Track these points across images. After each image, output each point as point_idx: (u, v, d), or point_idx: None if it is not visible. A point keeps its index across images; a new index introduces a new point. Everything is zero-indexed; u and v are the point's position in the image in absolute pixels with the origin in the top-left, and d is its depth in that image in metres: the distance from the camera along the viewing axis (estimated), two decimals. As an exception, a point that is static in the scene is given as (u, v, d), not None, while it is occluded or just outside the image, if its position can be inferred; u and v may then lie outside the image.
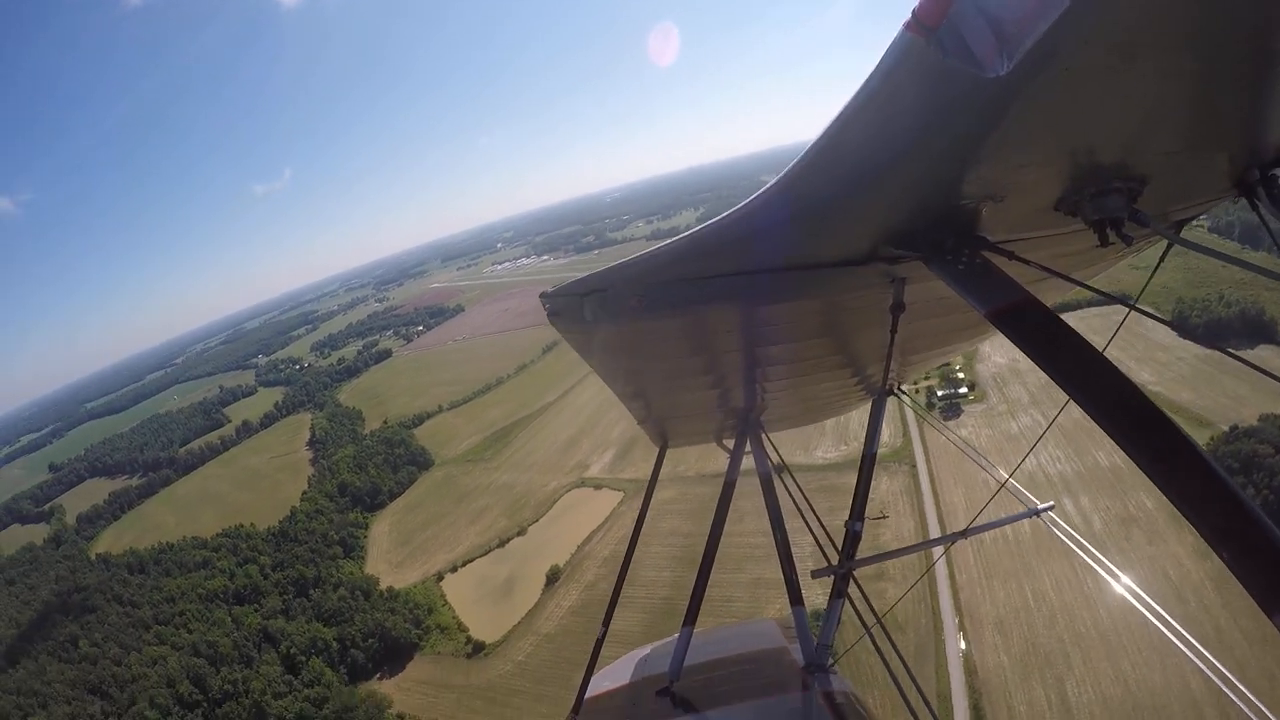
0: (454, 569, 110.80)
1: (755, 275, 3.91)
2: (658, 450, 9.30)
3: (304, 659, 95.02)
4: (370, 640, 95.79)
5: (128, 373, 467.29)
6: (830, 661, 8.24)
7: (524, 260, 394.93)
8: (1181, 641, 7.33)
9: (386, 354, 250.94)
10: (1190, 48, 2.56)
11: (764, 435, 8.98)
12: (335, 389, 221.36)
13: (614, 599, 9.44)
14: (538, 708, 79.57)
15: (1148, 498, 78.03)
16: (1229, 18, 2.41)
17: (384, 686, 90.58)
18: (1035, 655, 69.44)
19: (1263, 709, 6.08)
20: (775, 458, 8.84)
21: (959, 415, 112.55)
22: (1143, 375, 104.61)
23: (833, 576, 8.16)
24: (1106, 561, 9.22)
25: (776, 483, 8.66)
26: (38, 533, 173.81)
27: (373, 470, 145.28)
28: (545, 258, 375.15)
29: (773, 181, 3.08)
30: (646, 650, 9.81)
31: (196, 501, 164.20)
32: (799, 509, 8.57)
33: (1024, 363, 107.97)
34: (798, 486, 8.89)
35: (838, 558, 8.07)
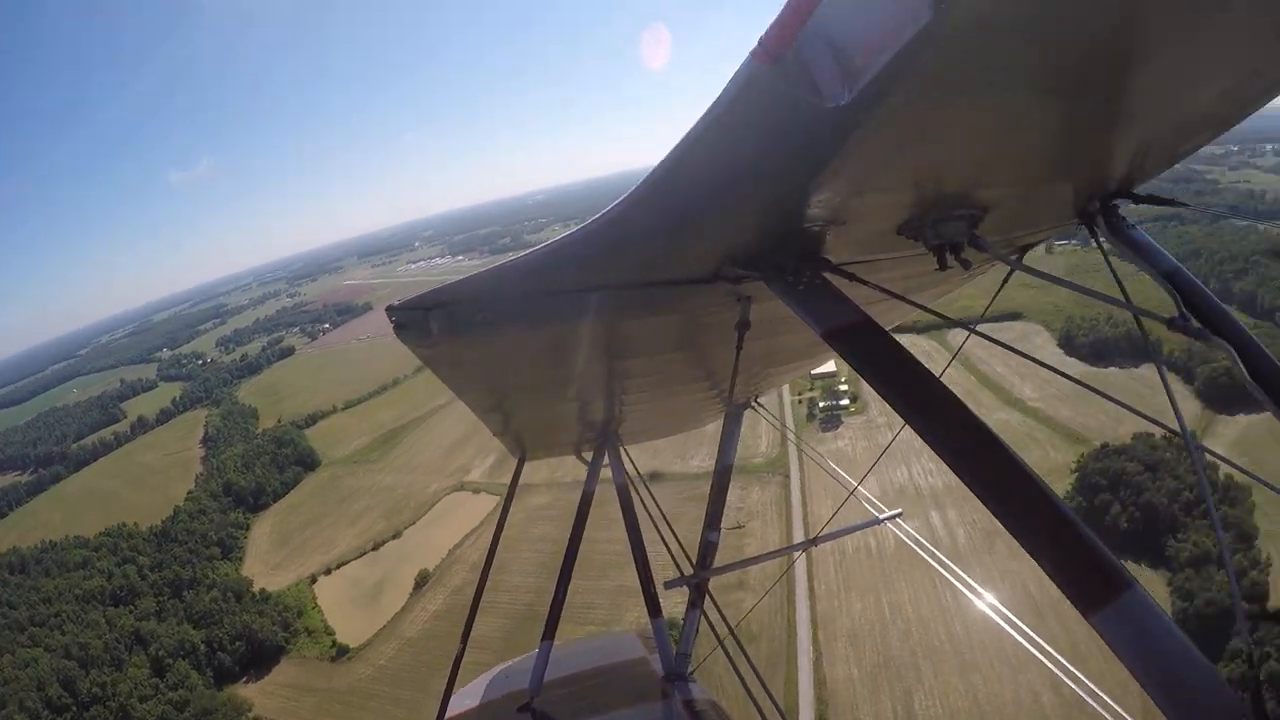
0: (328, 571, 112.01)
1: (602, 291, 3.94)
2: (516, 461, 9.17)
3: (171, 661, 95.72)
4: (238, 643, 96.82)
5: (31, 363, 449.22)
6: (690, 670, 8.49)
7: (438, 260, 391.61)
8: (1035, 647, 7.81)
9: (290, 351, 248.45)
10: (1029, 88, 2.75)
11: (622, 448, 8.90)
12: (235, 386, 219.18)
13: (471, 617, 9.07)
14: (393, 712, 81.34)
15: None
16: (1065, 62, 2.63)
17: (249, 690, 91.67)
18: (886, 668, 71.30)
19: (1123, 714, 6.34)
20: (633, 470, 8.86)
21: (838, 426, 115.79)
22: (1025, 391, 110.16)
23: (688, 587, 8.16)
24: (954, 566, 9.85)
25: (634, 494, 8.68)
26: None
27: (259, 470, 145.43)
28: (460, 258, 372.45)
29: (619, 200, 3.12)
30: (506, 666, 9.86)
31: (85, 499, 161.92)
32: (654, 521, 8.54)
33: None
34: (653, 498, 8.83)
35: (692, 568, 7.92)
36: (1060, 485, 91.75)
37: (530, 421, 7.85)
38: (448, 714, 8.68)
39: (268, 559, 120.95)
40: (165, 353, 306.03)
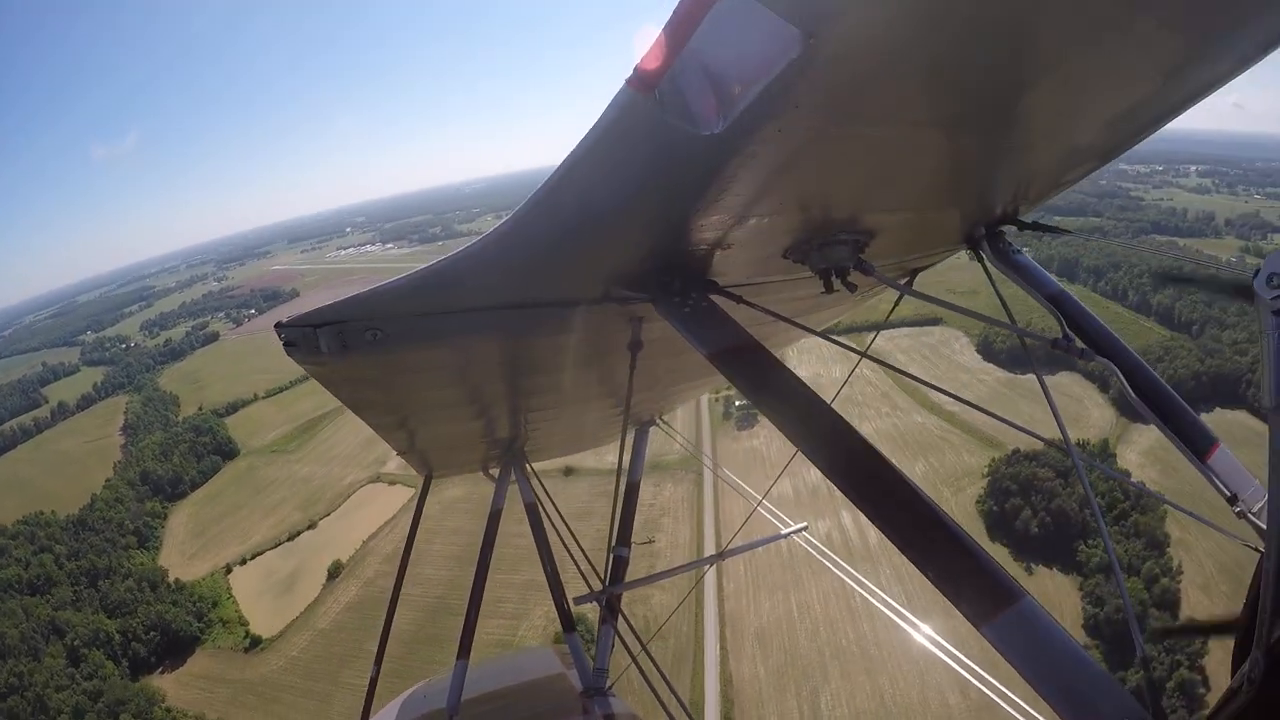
0: (243, 562, 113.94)
1: (495, 311, 3.91)
2: (422, 481, 9.04)
3: (87, 651, 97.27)
4: (152, 633, 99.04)
5: None
6: (608, 684, 8.39)
7: (369, 247, 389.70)
8: (941, 650, 7.74)
9: (214, 337, 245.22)
10: (906, 120, 2.84)
11: (528, 465, 8.94)
12: (157, 371, 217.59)
13: (384, 636, 8.93)
14: (304, 704, 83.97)
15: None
16: (942, 95, 2.74)
17: (164, 680, 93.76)
18: (793, 667, 73.47)
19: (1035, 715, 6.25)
20: (539, 488, 8.83)
21: (753, 425, 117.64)
22: (941, 396, 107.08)
23: (598, 603, 8.01)
24: (861, 578, 10.04)
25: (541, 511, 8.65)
26: None
27: (177, 459, 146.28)
28: (389, 246, 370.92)
29: (503, 220, 3.07)
30: (423, 685, 9.80)
31: (2, 487, 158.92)
32: (562, 538, 8.52)
33: (827, 377, 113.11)
34: (561, 517, 8.77)
35: (601, 584, 7.96)
36: (973, 489, 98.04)
37: (434, 440, 7.64)
38: None
39: (184, 549, 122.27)
40: (89, 335, 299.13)
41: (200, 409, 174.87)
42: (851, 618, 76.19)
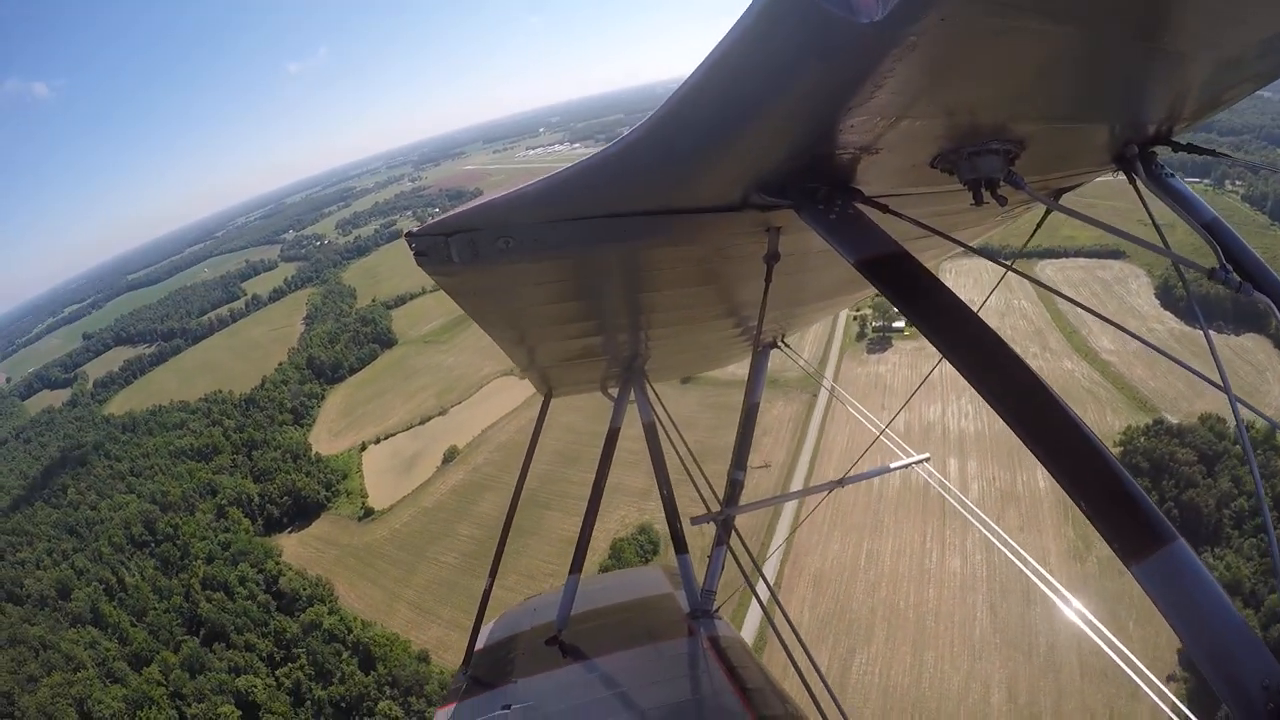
0: (377, 441, 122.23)
1: (627, 218, 3.72)
2: (542, 400, 8.94)
3: (230, 510, 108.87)
4: (285, 498, 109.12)
5: (171, 245, 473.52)
6: (715, 607, 8.32)
7: (558, 147, 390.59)
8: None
9: (398, 235, 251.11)
10: (1074, 18, 2.63)
11: (648, 384, 8.74)
12: (343, 267, 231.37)
13: (499, 551, 9.02)
14: (391, 570, 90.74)
15: (1043, 478, 72.22)
16: None
17: (288, 539, 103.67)
18: (839, 619, 67.78)
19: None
20: (659, 408, 8.63)
21: (886, 349, 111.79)
22: (1101, 340, 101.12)
23: (714, 524, 7.89)
24: (982, 514, 9.50)
25: (662, 432, 8.46)
26: (62, 397, 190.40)
27: (340, 346, 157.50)
28: (577, 146, 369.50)
29: (642, 122, 2.94)
30: (534, 600, 9.73)
31: (198, 370, 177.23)
32: (681, 459, 8.18)
33: (972, 307, 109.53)
34: (680, 436, 8.51)
35: (719, 506, 7.71)
36: None
37: (555, 355, 7.38)
38: (478, 646, 8.65)
39: (332, 426, 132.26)
40: (290, 234, 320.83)
41: (373, 301, 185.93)
42: (919, 579, 70.59)
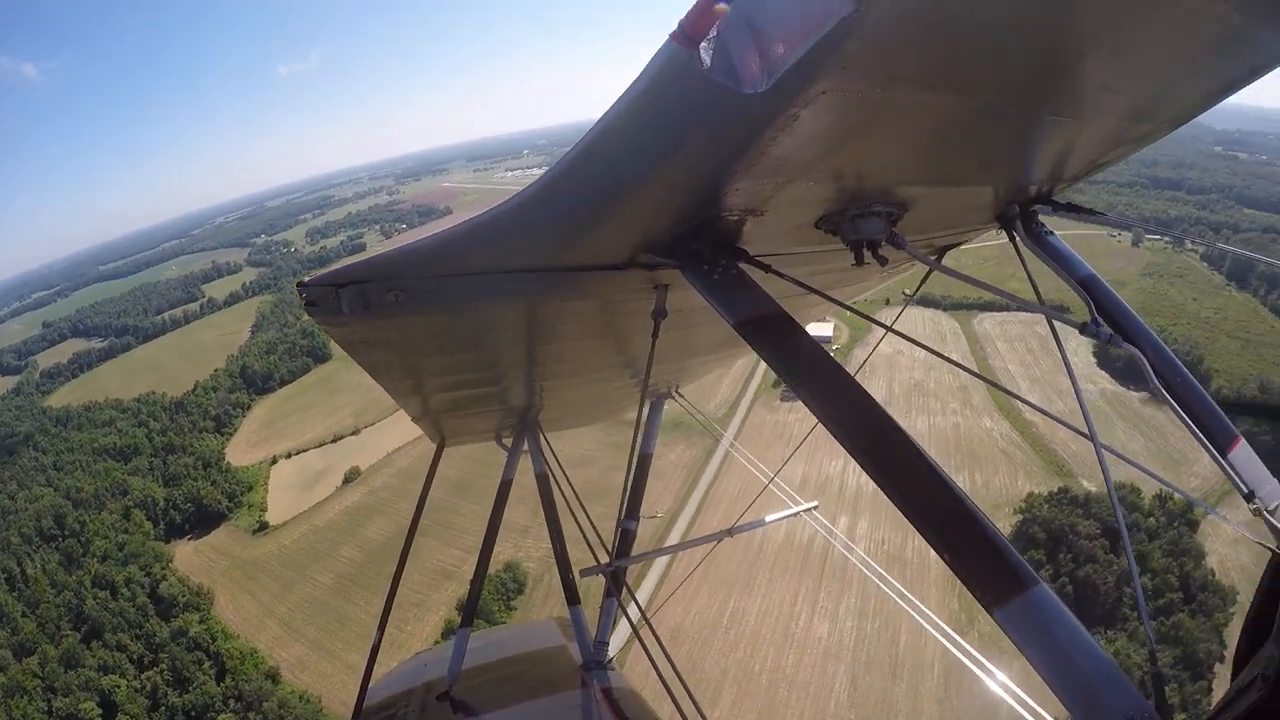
0: (289, 455, 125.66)
1: (518, 275, 3.74)
2: (435, 449, 8.59)
3: (136, 511, 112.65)
4: (189, 505, 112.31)
5: (149, 240, 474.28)
6: (608, 658, 8.24)
7: (535, 170, 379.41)
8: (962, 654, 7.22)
9: (361, 248, 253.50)
10: (954, 90, 2.71)
11: (542, 435, 8.72)
12: (301, 276, 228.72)
13: (388, 605, 8.42)
14: (271, 585, 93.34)
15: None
16: (991, 63, 2.64)
17: (185, 546, 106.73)
18: (688, 675, 58.77)
19: None
20: (552, 458, 8.58)
21: (796, 399, 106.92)
22: (1033, 396, 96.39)
23: (604, 575, 7.73)
24: (873, 563, 9.60)
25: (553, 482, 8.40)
26: (8, 384, 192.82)
27: (275, 358, 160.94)
28: None
29: (533, 181, 2.96)
30: (424, 654, 9.67)
31: (143, 369, 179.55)
32: (572, 509, 8.16)
33: (903, 357, 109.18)
34: (572, 487, 8.52)
35: (609, 557, 7.40)
36: (1008, 521, 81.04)
37: (449, 406, 7.23)
38: (366, 702, 8.27)
39: (251, 438, 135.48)
40: (261, 238, 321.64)
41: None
42: (780, 643, 68.95)
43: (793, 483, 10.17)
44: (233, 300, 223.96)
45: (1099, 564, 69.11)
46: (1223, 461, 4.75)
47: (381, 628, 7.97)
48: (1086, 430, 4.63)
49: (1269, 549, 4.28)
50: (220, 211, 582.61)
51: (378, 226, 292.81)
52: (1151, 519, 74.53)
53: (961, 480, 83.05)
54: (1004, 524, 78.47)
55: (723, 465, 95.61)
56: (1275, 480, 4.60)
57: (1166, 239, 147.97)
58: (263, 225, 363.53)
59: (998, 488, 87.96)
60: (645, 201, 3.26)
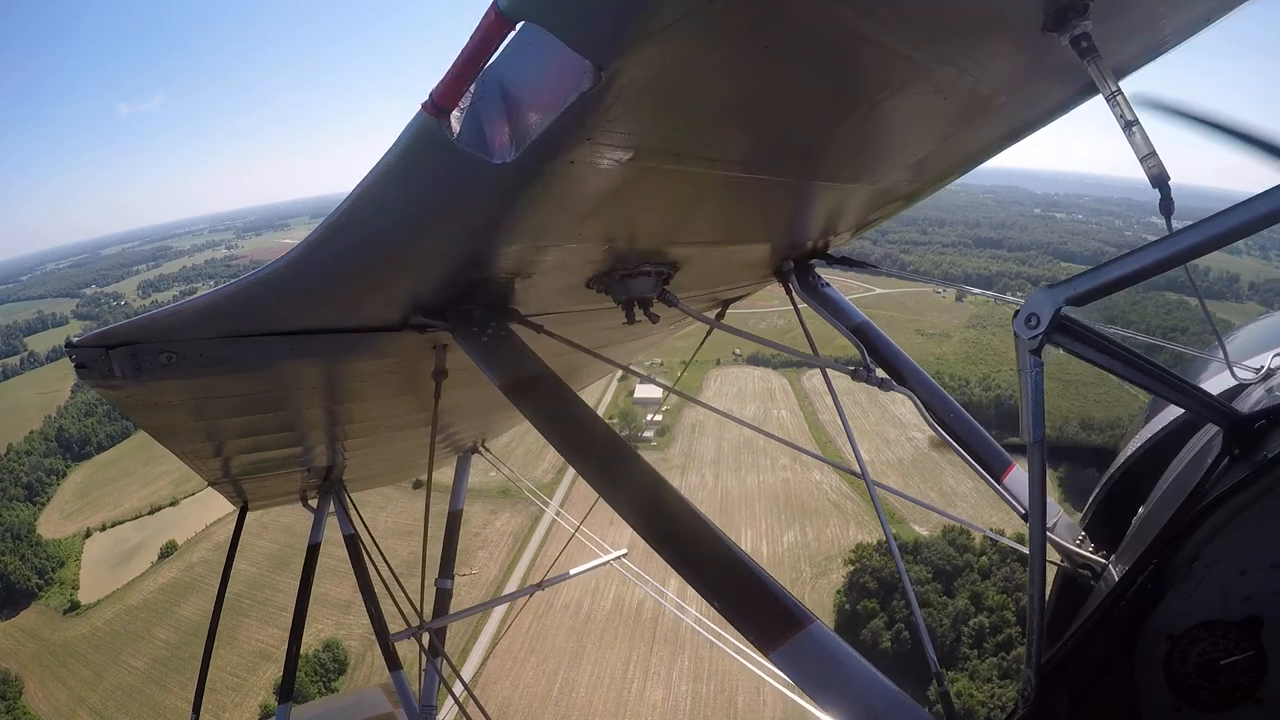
0: (104, 528, 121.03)
1: (293, 337, 3.63)
2: (237, 513, 8.36)
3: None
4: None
5: None
6: None
7: None
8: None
9: None
10: (704, 160, 2.80)
11: (347, 495, 8.53)
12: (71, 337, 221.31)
13: (200, 686, 8.07)
14: (82, 672, 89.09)
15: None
16: (741, 136, 2.72)
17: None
18: None
19: None
20: (358, 520, 8.41)
21: (666, 445, 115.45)
22: (862, 449, 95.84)
23: (418, 638, 7.46)
24: (675, 598, 9.66)
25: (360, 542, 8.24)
26: None
27: (93, 420, 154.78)
28: None
29: (300, 243, 2.88)
30: None
31: None
32: (380, 574, 8.01)
33: (768, 412, 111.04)
34: (379, 550, 8.26)
35: (419, 619, 6.98)
36: (840, 574, 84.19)
37: (246, 469, 6.89)
38: None
39: (65, 508, 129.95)
40: (92, 289, 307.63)
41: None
42: (613, 713, 68.85)
43: (606, 538, 10.33)
44: (54, 356, 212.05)
45: (933, 607, 71.75)
46: (998, 486, 5.22)
47: (196, 707, 8.08)
48: (859, 472, 5.18)
49: (1054, 564, 4.87)
50: (52, 257, 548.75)
51: (212, 282, 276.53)
52: (984, 558, 78.27)
53: (792, 534, 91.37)
54: (836, 575, 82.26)
55: (550, 530, 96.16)
56: (1050, 501, 4.50)
57: (985, 293, 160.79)
58: (95, 275, 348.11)
59: (829, 539, 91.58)
60: (410, 265, 3.36)
